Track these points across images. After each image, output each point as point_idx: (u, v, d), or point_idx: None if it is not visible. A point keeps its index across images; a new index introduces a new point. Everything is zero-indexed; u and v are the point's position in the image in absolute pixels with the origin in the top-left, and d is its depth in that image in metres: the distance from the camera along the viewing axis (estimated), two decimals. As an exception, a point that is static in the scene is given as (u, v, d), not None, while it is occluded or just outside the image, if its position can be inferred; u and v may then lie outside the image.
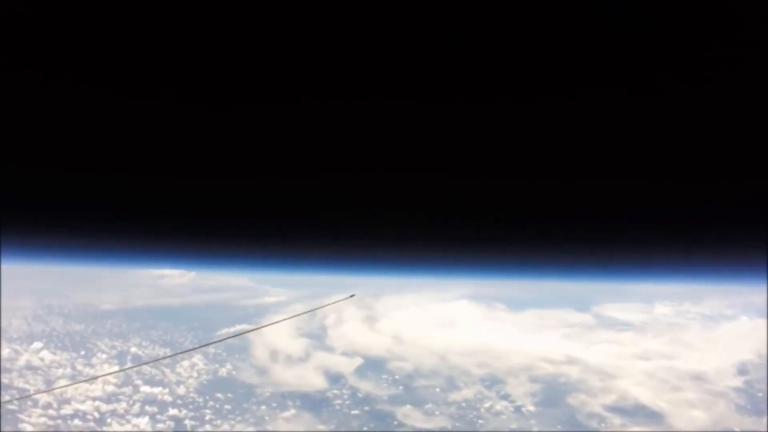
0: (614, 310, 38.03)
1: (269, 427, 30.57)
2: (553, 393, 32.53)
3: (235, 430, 30.50)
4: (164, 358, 37.44)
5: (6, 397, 30.88)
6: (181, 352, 37.57)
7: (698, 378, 31.86)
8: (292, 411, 31.33)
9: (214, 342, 39.84)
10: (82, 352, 34.78)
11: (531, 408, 31.64)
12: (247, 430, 30.44)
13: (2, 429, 26.91)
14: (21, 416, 30.90)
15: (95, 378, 33.19)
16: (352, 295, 6.33)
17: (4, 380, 33.05)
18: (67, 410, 31.65)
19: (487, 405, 31.94)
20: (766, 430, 27.65)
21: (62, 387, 33.09)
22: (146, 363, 35.51)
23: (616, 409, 31.16)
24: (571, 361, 33.88)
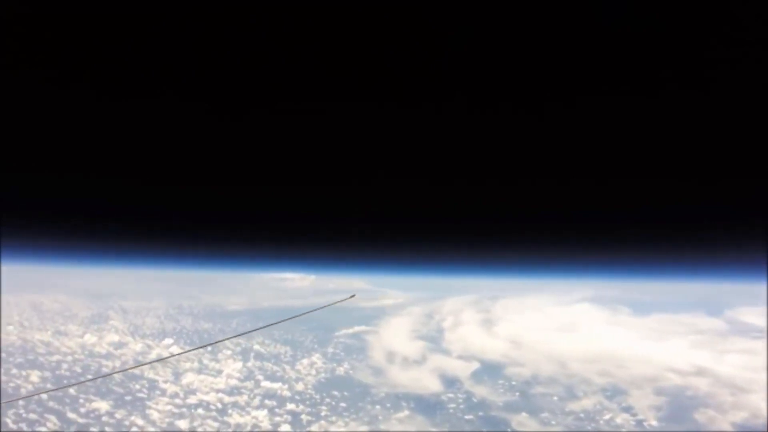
0: (750, 315, 34.63)
1: (382, 427, 30.75)
2: (679, 407, 30.12)
3: (349, 427, 30.90)
4: (163, 359, 38.58)
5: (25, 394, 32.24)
6: (181, 353, 38.67)
7: None
8: (406, 412, 31.37)
9: (216, 342, 40.03)
10: (209, 349, 37.27)
11: (653, 423, 29.57)
12: (361, 428, 30.77)
13: (3, 429, 27.29)
14: (149, 403, 33.27)
15: (83, 383, 34.16)
16: (352, 296, 6.21)
17: (136, 371, 36.03)
18: (192, 400, 34.07)
19: (606, 417, 30.20)
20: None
21: (61, 387, 34.08)
22: (144, 364, 37.41)
23: (747, 428, 28.04)
24: (699, 372, 31.34)
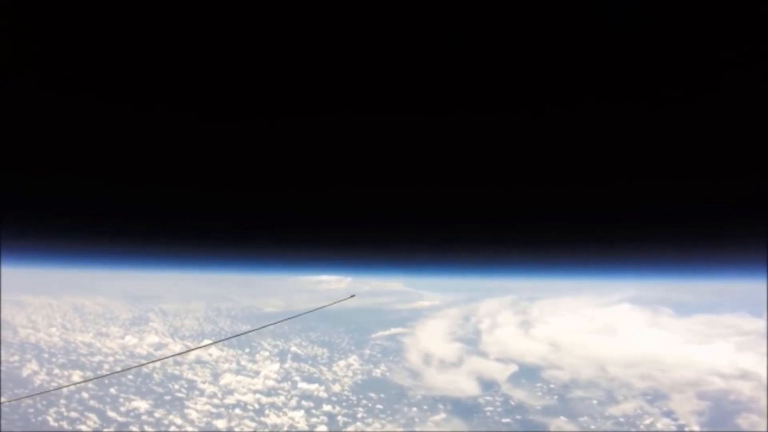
0: None
1: (418, 429, 30.92)
2: (722, 412, 29.55)
3: (386, 429, 31.24)
4: (165, 358, 38.87)
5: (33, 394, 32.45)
6: (180, 353, 38.84)
7: None
8: (443, 415, 31.50)
9: (221, 340, 40.46)
10: (247, 350, 38.12)
11: (695, 428, 29.06)
12: (397, 430, 31.04)
13: (3, 429, 27.13)
14: (187, 403, 34.22)
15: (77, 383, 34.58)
16: (352, 296, 6.18)
17: (175, 371, 36.84)
18: (230, 400, 34.80)
19: (647, 422, 29.75)
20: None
21: (62, 387, 34.28)
22: (147, 363, 37.36)
23: None
24: (743, 375, 30.69)
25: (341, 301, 6.24)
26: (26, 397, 33.37)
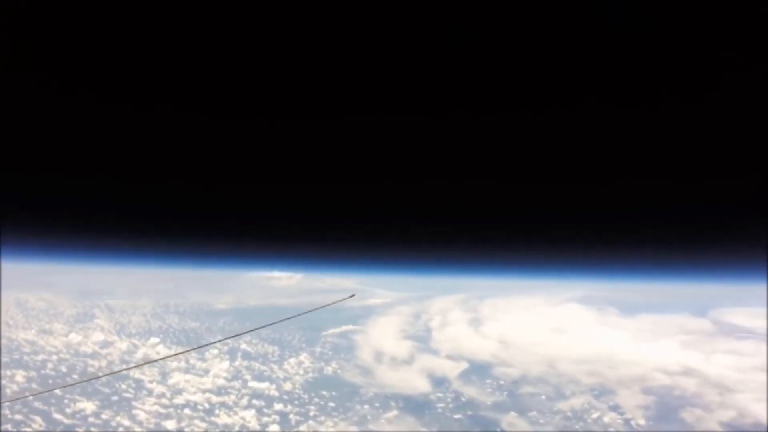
0: (734, 316, 35.51)
1: (371, 427, 30.73)
2: (667, 407, 30.45)
3: (338, 428, 30.88)
4: (157, 360, 38.41)
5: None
6: (172, 356, 38.53)
7: (829, 395, 27.84)
8: (395, 412, 31.39)
9: (212, 344, 40.17)
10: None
11: (642, 422, 29.83)
12: (350, 429, 30.77)
13: (5, 429, 27.32)
14: (135, 403, 32.99)
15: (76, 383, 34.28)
16: (352, 295, 6.12)
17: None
18: (179, 400, 33.77)
19: (594, 416, 30.43)
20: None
21: (59, 387, 33.94)
22: (136, 367, 37.17)
23: (734, 427, 28.60)
24: (687, 372, 31.71)
25: (341, 300, 6.15)
26: (26, 397, 33.07)
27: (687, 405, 30.64)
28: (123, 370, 37.12)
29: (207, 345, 40.54)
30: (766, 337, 29.84)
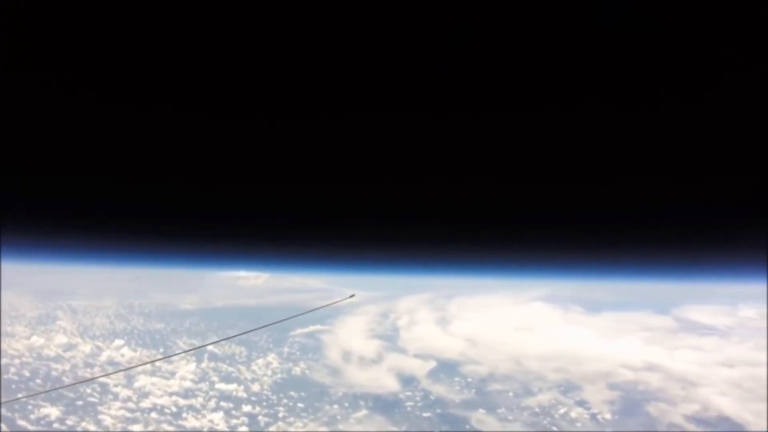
0: (696, 313, 36.88)
1: (341, 427, 30.69)
2: (632, 401, 31.47)
3: (308, 428, 30.76)
4: (156, 360, 37.88)
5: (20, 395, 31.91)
6: (172, 355, 38.32)
7: (786, 387, 29.26)
8: (364, 411, 31.43)
9: (211, 343, 40.04)
10: (161, 350, 36.31)
11: (608, 416, 30.70)
12: (320, 429, 30.70)
13: (2, 429, 27.13)
14: (101, 408, 32.32)
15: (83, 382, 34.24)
16: (352, 296, 6.11)
17: (86, 374, 35.01)
18: (146, 404, 33.26)
19: (561, 411, 31.10)
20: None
21: (58, 388, 33.79)
22: (136, 366, 37.00)
23: (698, 420, 29.71)
24: (651, 367, 32.78)
25: (342, 300, 6.14)
26: (26, 397, 32.71)
27: (651, 399, 31.59)
28: (122, 370, 36.54)
29: (207, 345, 40.18)
30: (766, 335, 30.76)
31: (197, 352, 36.92)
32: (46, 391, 31.18)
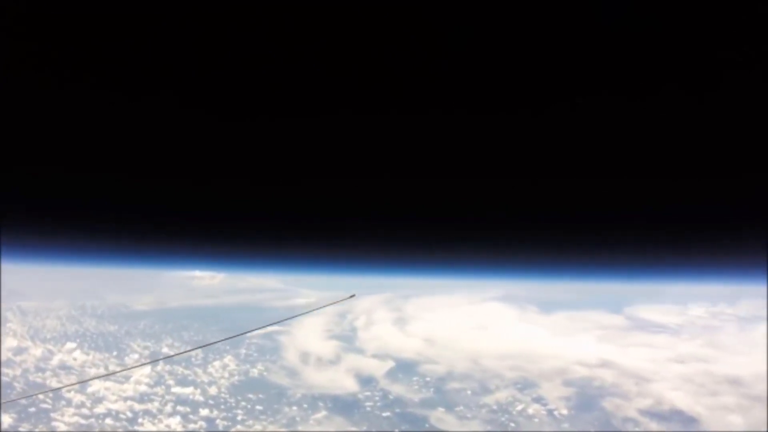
0: (647, 312, 37.90)
1: (300, 428, 30.59)
2: (587, 397, 32.10)
3: (268, 430, 30.58)
4: (157, 360, 37.60)
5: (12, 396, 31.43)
6: (174, 355, 37.93)
7: (735, 382, 31.07)
8: (324, 412, 31.35)
9: (208, 344, 39.70)
10: (115, 353, 35.33)
11: (564, 412, 31.26)
12: (279, 430, 30.53)
13: (2, 429, 26.95)
14: (54, 415, 31.36)
15: (83, 381, 33.89)
16: (352, 295, 6.22)
17: (38, 379, 33.49)
18: (100, 409, 32.16)
19: (519, 408, 31.62)
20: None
21: (58, 388, 33.57)
22: (138, 366, 36.21)
23: (651, 414, 30.61)
24: (605, 364, 33.53)
25: (342, 300, 6.11)
26: (26, 397, 32.51)
27: (606, 395, 32.29)
28: (122, 370, 35.83)
29: (207, 345, 40.24)
30: (766, 334, 31.34)
31: (151, 354, 36.41)
32: (46, 391, 31.00)
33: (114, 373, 34.06)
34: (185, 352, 37.34)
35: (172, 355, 36.70)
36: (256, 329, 40.63)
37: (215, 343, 37.60)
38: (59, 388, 33.08)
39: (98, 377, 34.27)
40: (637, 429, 30.43)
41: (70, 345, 36.00)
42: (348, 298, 6.15)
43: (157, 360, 36.05)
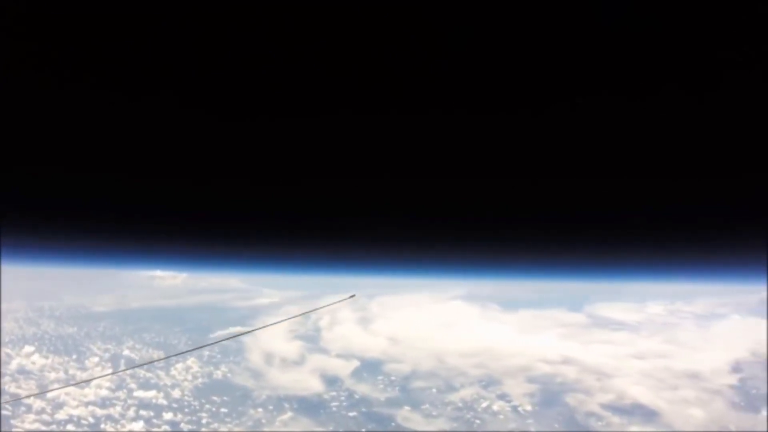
0: (607, 310, 38.54)
1: (266, 430, 30.25)
2: (551, 393, 32.59)
3: None
4: (159, 360, 36.70)
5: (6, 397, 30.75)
6: (174, 355, 37.06)
7: (694, 376, 31.93)
8: (289, 414, 31.05)
9: (209, 344, 39.20)
10: (74, 356, 34.27)
11: (528, 408, 31.69)
12: None
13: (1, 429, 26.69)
14: (14, 422, 30.59)
15: (89, 380, 32.94)
16: (352, 296, 6.21)
17: None
18: (61, 415, 31.25)
19: (484, 405, 31.92)
20: (766, 429, 27.81)
21: (57, 389, 32.61)
22: (140, 365, 35.09)
23: (614, 408, 31.19)
24: (567, 361, 34.09)
25: (342, 300, 5.96)
26: (26, 397, 31.70)
27: (569, 390, 32.88)
28: (129, 369, 34.67)
29: (208, 344, 39.23)
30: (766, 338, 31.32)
31: (112, 357, 35.13)
32: (47, 391, 30.57)
33: (94, 378, 33.72)
34: (176, 354, 36.93)
35: (155, 360, 35.95)
36: (244, 332, 40.58)
37: (209, 346, 36.97)
38: (55, 389, 32.72)
39: (78, 383, 33.39)
40: (599, 423, 31.04)
41: (28, 348, 34.57)
42: (348, 298, 6.13)
43: (141, 365, 35.24)
